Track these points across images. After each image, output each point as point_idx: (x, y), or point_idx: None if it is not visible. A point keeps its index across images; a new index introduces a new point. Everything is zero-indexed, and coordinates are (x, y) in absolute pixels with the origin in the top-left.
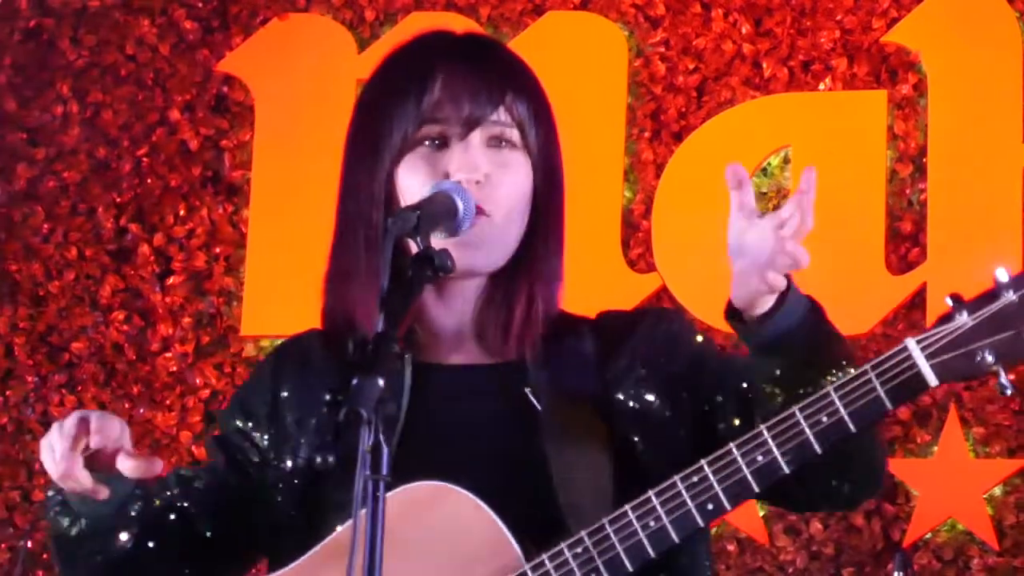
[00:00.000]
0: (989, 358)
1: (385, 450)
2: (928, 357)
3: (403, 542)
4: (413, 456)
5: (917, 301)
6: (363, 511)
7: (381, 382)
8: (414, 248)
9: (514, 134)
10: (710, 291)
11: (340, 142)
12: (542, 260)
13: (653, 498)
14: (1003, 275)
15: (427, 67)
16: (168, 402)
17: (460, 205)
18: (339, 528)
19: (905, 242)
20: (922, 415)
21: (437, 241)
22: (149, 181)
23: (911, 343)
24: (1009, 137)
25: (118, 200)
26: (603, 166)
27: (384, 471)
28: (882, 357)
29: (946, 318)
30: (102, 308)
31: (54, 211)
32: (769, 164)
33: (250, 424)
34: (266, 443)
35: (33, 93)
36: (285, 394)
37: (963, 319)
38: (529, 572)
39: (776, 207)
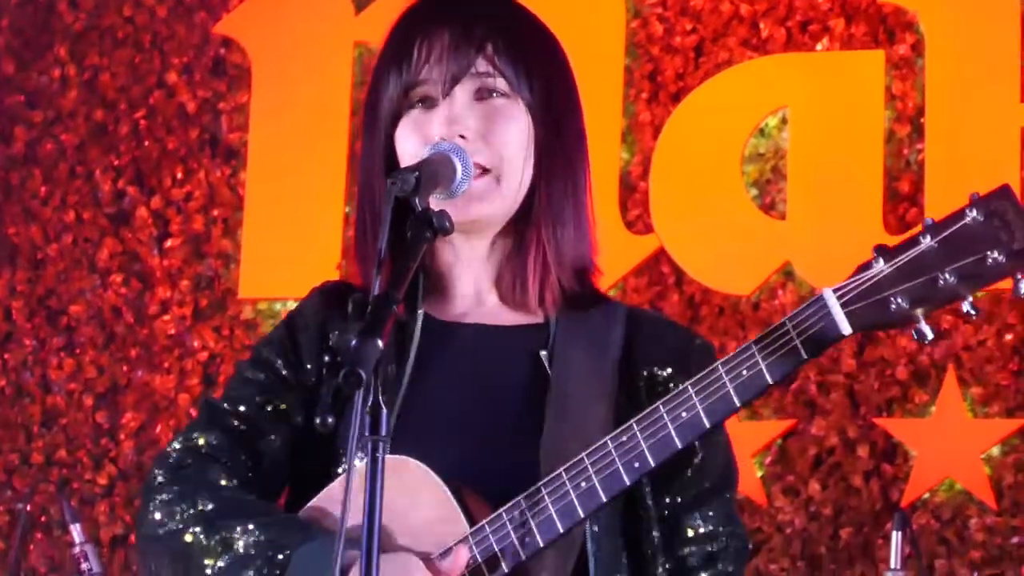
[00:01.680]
0: (904, 304)
1: (384, 411)
2: (843, 306)
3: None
4: (415, 417)
5: None
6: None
7: (380, 343)
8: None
9: (500, 83)
10: (708, 252)
11: (337, 104)
12: (549, 206)
13: (585, 459)
14: (928, 222)
15: (411, 31)
16: (167, 365)
17: (458, 166)
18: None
19: (903, 202)
20: (920, 375)
21: (437, 201)
22: (147, 144)
23: (827, 292)
24: (1007, 97)
25: (116, 163)
26: (601, 127)
27: (383, 431)
28: (800, 308)
29: (865, 266)
30: (100, 271)
31: (52, 174)
32: (767, 125)
33: (296, 362)
34: (308, 382)
35: (31, 56)
36: (334, 334)
37: (880, 266)
38: (470, 538)
39: (773, 168)
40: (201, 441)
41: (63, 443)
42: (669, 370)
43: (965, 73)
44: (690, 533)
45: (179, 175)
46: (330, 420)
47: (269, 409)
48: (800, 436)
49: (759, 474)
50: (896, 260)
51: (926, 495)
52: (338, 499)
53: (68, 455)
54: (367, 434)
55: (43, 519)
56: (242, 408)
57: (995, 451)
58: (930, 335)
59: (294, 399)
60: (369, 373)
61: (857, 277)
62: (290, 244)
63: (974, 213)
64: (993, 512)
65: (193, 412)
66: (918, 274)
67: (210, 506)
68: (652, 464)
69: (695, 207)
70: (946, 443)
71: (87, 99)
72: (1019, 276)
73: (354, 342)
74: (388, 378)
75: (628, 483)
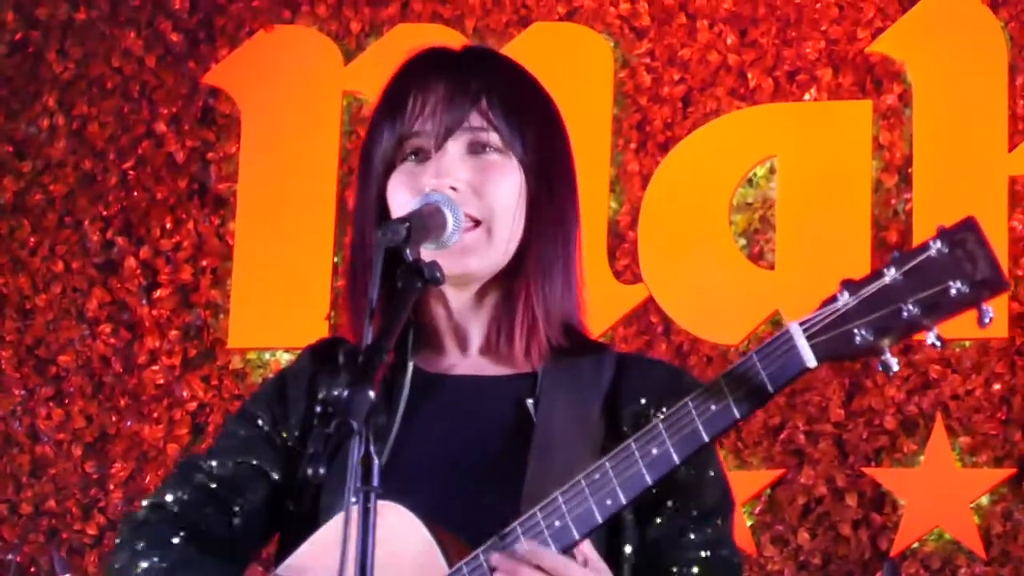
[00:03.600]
0: (869, 336)
1: (376, 462)
2: (809, 339)
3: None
4: (403, 465)
5: None
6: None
7: (372, 394)
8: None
9: (493, 138)
10: (696, 301)
11: (326, 153)
12: (539, 261)
13: (559, 497)
14: (895, 255)
15: (406, 84)
16: (155, 415)
17: (449, 216)
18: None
19: (891, 252)
20: (909, 425)
21: (428, 252)
22: (135, 194)
23: (794, 326)
24: (994, 146)
25: (104, 213)
26: (589, 177)
27: (375, 482)
28: (767, 342)
29: (831, 300)
30: (89, 321)
31: (41, 224)
32: (755, 175)
33: (280, 421)
34: (293, 442)
35: (20, 106)
36: (320, 392)
37: (845, 299)
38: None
39: (761, 218)
40: (169, 498)
41: (52, 493)
42: (656, 403)
43: (953, 123)
44: (676, 556)
45: (168, 225)
46: (321, 471)
47: (245, 466)
48: (789, 485)
49: (748, 523)
50: (861, 292)
51: (915, 544)
52: (315, 557)
53: (57, 505)
54: (358, 484)
55: (33, 570)
56: (215, 463)
57: (984, 500)
58: (895, 367)
59: (273, 456)
60: (361, 423)
61: (823, 310)
62: (279, 294)
63: (939, 245)
64: (982, 561)
65: None
66: (882, 306)
67: (164, 564)
68: (624, 501)
69: (683, 257)
70: (935, 492)
71: (76, 149)
72: (983, 307)
73: (345, 392)
74: (379, 428)
75: (600, 520)
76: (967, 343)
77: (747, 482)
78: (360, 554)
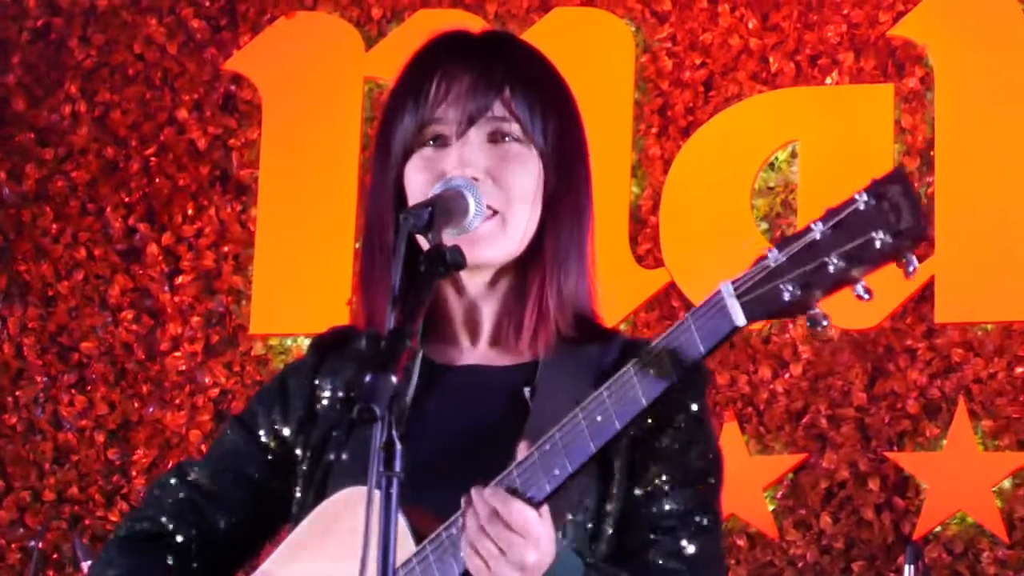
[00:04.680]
0: (796, 291)
1: (398, 447)
2: (739, 297)
3: (327, 542)
4: (408, 452)
5: (926, 295)
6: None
7: (394, 378)
8: (426, 245)
9: (514, 128)
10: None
11: (347, 140)
12: (554, 252)
13: (514, 470)
14: (826, 211)
15: (428, 68)
16: (178, 401)
17: (471, 201)
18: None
19: None
20: (931, 408)
21: (448, 238)
22: (158, 180)
23: (725, 285)
24: (1017, 129)
25: (127, 200)
26: (611, 162)
27: (397, 467)
28: (702, 303)
29: (762, 258)
30: (112, 308)
31: (63, 211)
32: (776, 159)
33: (281, 420)
34: (293, 437)
35: (42, 93)
36: (322, 385)
37: (774, 255)
38: (414, 559)
39: (783, 202)
40: (152, 512)
41: (75, 480)
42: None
43: (975, 106)
44: (652, 517)
45: (190, 211)
46: (344, 456)
47: (230, 476)
48: (811, 470)
49: (771, 508)
50: (788, 248)
51: (938, 528)
52: (322, 533)
53: (80, 492)
54: (381, 469)
55: (55, 556)
56: (200, 473)
57: (1006, 484)
58: (824, 322)
59: (264, 462)
60: (384, 408)
61: (753, 268)
62: (301, 280)
63: (865, 197)
64: (1005, 545)
65: (204, 448)
66: (809, 260)
67: None
68: (570, 469)
69: (705, 241)
70: (957, 476)
71: (98, 136)
72: (908, 256)
73: (368, 378)
74: (402, 413)
75: (549, 490)
76: (989, 326)
77: (770, 467)
78: (383, 540)
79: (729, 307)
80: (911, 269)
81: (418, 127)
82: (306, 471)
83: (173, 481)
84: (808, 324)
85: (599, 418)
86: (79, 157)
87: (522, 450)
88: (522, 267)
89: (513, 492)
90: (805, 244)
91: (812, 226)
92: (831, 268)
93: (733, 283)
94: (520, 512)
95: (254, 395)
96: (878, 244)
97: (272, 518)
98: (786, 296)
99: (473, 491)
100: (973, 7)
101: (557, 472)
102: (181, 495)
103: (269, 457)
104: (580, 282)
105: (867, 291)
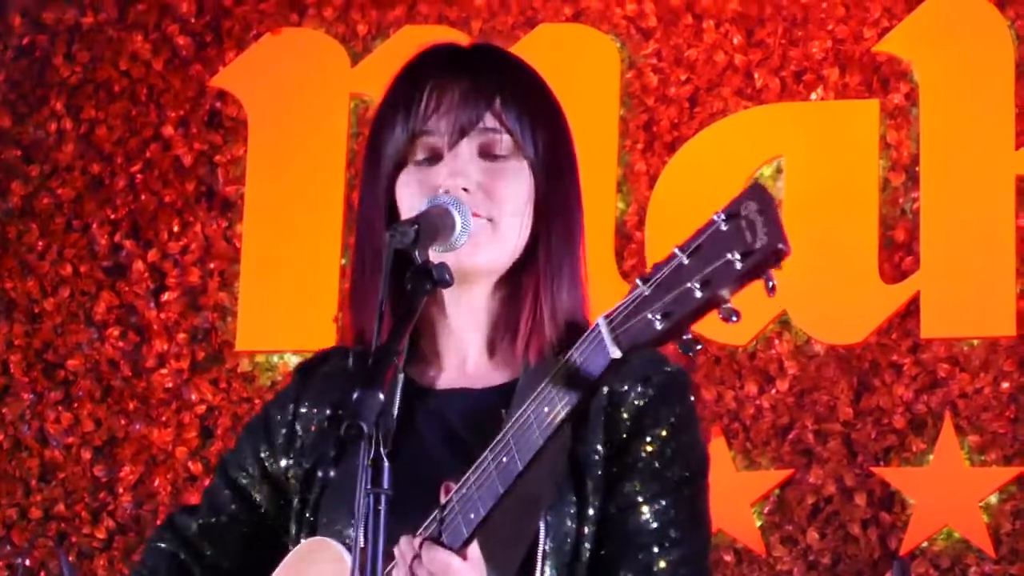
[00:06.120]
0: (665, 320)
1: (386, 464)
2: (612, 331)
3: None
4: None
5: (911, 310)
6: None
7: (381, 396)
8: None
9: (505, 140)
10: None
11: (333, 156)
12: (548, 262)
13: (453, 498)
14: (689, 238)
15: (419, 80)
16: (164, 418)
17: (457, 219)
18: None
19: (898, 251)
20: (917, 424)
21: (436, 255)
22: (143, 197)
23: (601, 319)
24: (1001, 145)
25: (112, 216)
26: (596, 177)
27: (385, 484)
28: (582, 338)
29: (634, 289)
30: (97, 324)
31: (49, 228)
32: (761, 174)
33: (267, 451)
34: (282, 464)
35: (27, 110)
36: (303, 409)
37: (641, 288)
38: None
39: None
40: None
41: (61, 497)
42: (626, 387)
43: (960, 122)
44: (625, 536)
45: (175, 228)
46: (332, 473)
47: (224, 520)
48: (798, 485)
49: (758, 524)
50: (655, 278)
51: (924, 543)
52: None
53: (66, 509)
54: (368, 487)
55: (42, 574)
56: (194, 521)
57: (993, 499)
58: (697, 346)
59: (252, 499)
60: (371, 425)
61: (626, 300)
62: (287, 296)
63: (723, 217)
64: (991, 560)
65: (191, 465)
66: (673, 288)
67: None
68: (483, 513)
69: None
70: (944, 491)
71: (83, 152)
72: (767, 273)
73: (355, 394)
74: (389, 431)
75: (467, 534)
76: (975, 342)
77: (756, 482)
78: (371, 558)
79: (605, 339)
80: (770, 285)
81: (409, 138)
82: (299, 493)
83: (168, 536)
84: (681, 350)
85: (504, 459)
86: (64, 174)
87: (444, 493)
88: (514, 278)
89: (436, 538)
90: (671, 271)
91: (676, 252)
92: (697, 294)
93: (607, 316)
94: (441, 560)
95: (241, 430)
96: (737, 265)
97: (274, 547)
98: (657, 325)
99: (403, 538)
100: (958, 23)
101: (473, 516)
102: (181, 555)
103: (261, 489)
104: (573, 290)
105: (734, 313)
